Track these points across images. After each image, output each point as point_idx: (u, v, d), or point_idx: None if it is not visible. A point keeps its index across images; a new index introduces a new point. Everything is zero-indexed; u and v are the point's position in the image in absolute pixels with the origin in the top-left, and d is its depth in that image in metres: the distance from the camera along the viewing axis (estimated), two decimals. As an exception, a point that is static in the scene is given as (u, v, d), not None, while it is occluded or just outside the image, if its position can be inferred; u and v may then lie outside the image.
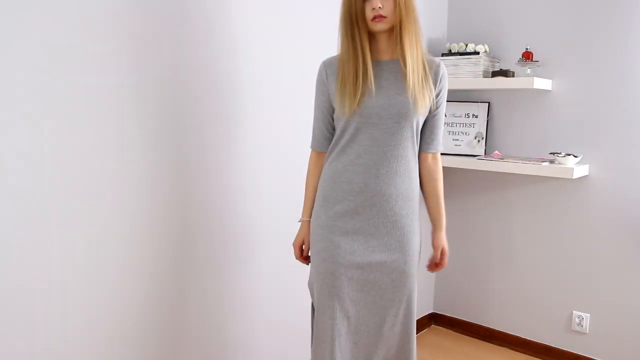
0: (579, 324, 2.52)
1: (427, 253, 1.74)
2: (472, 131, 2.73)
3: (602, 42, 2.36)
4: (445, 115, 2.78)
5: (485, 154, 2.70)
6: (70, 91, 1.42)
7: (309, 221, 1.67)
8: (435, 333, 2.95)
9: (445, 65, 1.64)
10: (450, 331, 2.97)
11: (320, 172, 1.65)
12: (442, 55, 2.66)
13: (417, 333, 2.88)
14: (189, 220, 1.79)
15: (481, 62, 2.54)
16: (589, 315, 2.50)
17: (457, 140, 2.75)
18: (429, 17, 2.73)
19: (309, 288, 1.69)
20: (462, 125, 2.75)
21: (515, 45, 2.60)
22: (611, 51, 2.34)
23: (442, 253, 1.70)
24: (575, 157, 2.36)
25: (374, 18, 1.45)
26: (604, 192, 2.41)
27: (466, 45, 2.59)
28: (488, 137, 2.74)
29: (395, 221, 1.56)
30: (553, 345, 2.61)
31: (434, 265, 1.72)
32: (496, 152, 2.64)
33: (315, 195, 1.66)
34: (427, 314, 3.00)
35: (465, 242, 2.89)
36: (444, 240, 1.70)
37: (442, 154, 2.88)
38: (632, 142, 2.32)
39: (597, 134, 2.41)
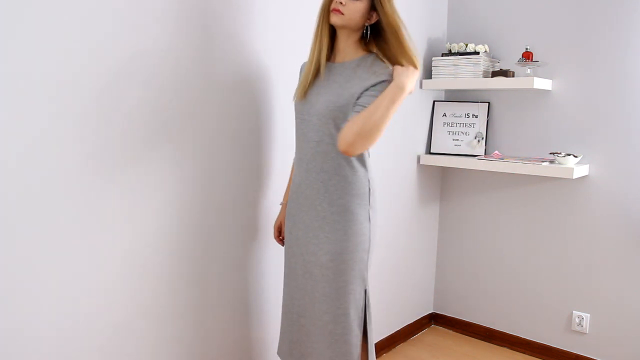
0: (579, 324, 2.52)
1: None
2: (472, 131, 2.73)
3: (603, 42, 2.36)
4: (445, 115, 2.80)
5: (485, 154, 2.70)
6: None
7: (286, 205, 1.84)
8: (435, 333, 2.95)
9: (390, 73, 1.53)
10: (450, 331, 2.97)
11: None
12: (442, 55, 2.66)
13: (417, 333, 2.91)
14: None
15: (481, 62, 2.54)
16: (589, 315, 2.50)
17: (457, 140, 2.75)
18: (429, 17, 2.72)
19: None
20: (462, 125, 2.75)
21: (515, 45, 2.60)
22: (611, 51, 2.34)
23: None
24: (575, 157, 2.36)
25: (333, 9, 1.52)
26: (604, 192, 2.41)
27: (466, 45, 2.59)
28: (488, 137, 2.74)
29: (324, 217, 1.59)
30: (553, 345, 2.61)
31: None
32: (496, 152, 2.64)
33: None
34: (427, 314, 3.00)
35: (465, 242, 2.89)
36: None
37: (442, 154, 2.86)
38: (632, 142, 2.32)
39: (597, 134, 2.41)
